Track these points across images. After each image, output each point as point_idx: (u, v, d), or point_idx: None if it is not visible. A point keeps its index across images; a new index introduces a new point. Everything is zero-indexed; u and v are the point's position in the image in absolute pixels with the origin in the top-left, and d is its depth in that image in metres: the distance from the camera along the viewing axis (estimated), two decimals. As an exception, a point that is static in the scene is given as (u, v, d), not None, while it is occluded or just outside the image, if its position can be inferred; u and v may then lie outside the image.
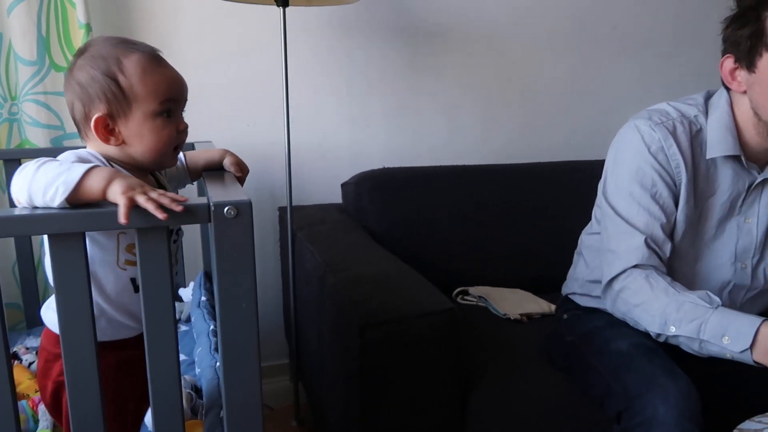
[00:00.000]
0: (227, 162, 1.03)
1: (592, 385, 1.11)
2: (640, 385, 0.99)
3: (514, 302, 1.64)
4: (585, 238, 1.31)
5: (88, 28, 1.57)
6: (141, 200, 0.68)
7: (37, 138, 1.59)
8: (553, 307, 1.55)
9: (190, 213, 0.73)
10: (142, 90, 0.82)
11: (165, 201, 0.70)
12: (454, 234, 1.75)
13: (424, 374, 1.13)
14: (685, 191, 1.10)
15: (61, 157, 0.81)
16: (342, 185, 1.84)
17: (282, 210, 1.81)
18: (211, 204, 0.73)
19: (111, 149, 0.85)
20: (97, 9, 1.67)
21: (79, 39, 1.58)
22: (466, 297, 1.71)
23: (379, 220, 1.70)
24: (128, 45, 0.85)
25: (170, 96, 0.85)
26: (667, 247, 1.10)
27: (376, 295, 1.15)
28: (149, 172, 0.93)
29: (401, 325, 1.08)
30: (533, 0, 2.06)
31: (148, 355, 0.76)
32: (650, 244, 1.08)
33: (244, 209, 0.74)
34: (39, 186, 0.69)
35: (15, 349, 1.42)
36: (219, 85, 1.81)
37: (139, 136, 0.84)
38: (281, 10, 1.53)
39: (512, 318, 1.56)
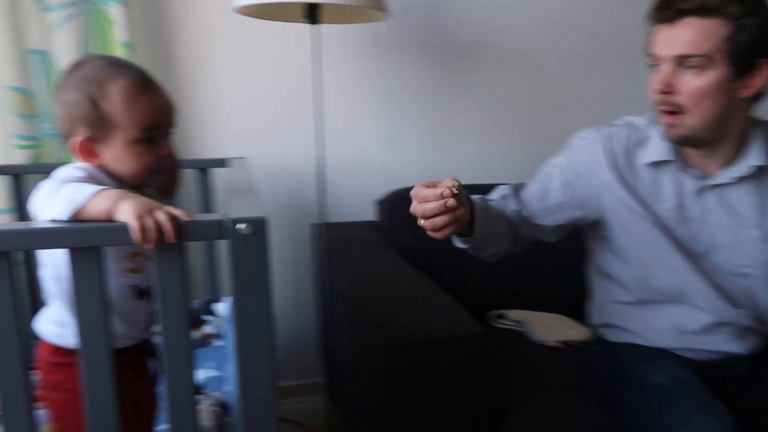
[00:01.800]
0: None
1: (628, 419, 1.05)
2: (677, 420, 0.93)
3: (552, 328, 1.57)
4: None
5: (129, 46, 1.61)
6: (149, 225, 0.68)
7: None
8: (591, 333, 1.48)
9: (203, 230, 0.72)
10: (124, 117, 0.83)
11: (178, 214, 0.70)
12: (490, 254, 1.70)
13: (453, 400, 1.08)
14: (620, 187, 1.13)
15: (64, 171, 0.83)
16: (376, 203, 1.82)
17: (315, 227, 1.80)
18: (224, 221, 0.72)
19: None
20: (138, 28, 1.71)
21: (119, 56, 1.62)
22: (502, 321, 1.65)
23: (412, 239, 1.66)
24: (117, 68, 0.86)
25: (152, 124, 0.86)
26: (526, 213, 1.17)
27: (404, 315, 1.12)
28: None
29: (429, 348, 1.04)
30: (570, 15, 2.01)
31: (167, 370, 0.75)
32: (512, 198, 1.19)
33: (259, 226, 0.72)
34: (53, 206, 0.71)
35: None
36: (254, 102, 1.82)
37: (118, 161, 0.86)
38: (313, 27, 1.53)
39: (549, 345, 1.49)
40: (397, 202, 1.71)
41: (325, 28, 1.76)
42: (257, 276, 0.74)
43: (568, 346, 1.49)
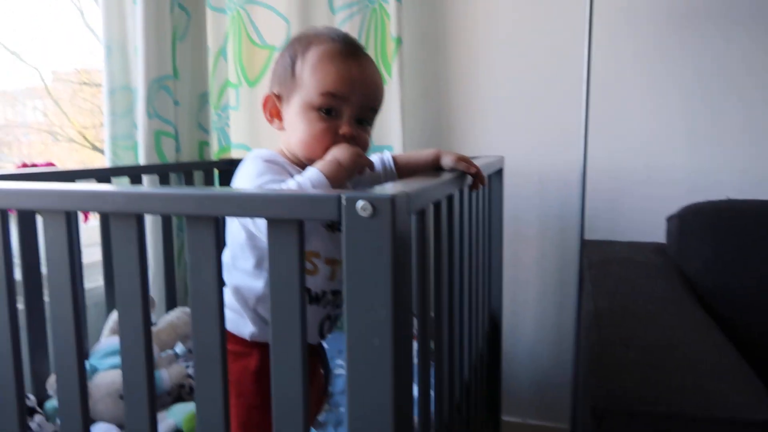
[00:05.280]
0: (447, 160, 0.84)
1: None
2: None
3: None
4: None
5: (399, 41, 1.58)
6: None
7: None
8: None
9: (316, 206, 0.57)
10: (307, 78, 0.78)
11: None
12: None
13: None
14: None
15: (253, 165, 0.76)
16: (667, 219, 1.42)
17: (587, 244, 1.50)
18: (343, 198, 0.55)
19: (285, 150, 0.83)
20: (411, 24, 1.67)
21: (391, 51, 1.60)
22: None
23: (707, 269, 1.23)
24: (329, 35, 0.81)
25: (334, 91, 0.78)
26: None
27: (642, 369, 0.78)
28: None
29: (669, 426, 0.69)
30: None
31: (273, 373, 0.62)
32: None
33: (382, 207, 0.54)
34: None
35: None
36: (529, 96, 1.63)
37: (292, 125, 0.81)
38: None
39: None
40: (691, 219, 1.29)
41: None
42: (377, 274, 0.55)
43: None
